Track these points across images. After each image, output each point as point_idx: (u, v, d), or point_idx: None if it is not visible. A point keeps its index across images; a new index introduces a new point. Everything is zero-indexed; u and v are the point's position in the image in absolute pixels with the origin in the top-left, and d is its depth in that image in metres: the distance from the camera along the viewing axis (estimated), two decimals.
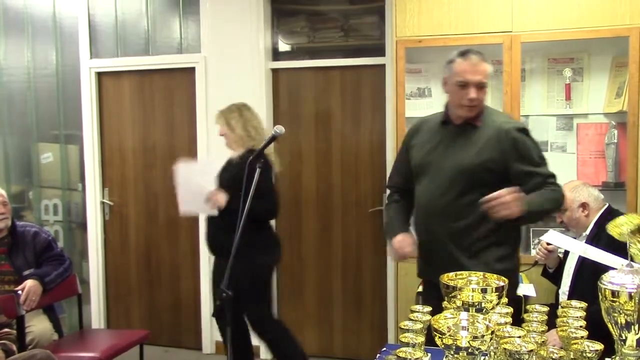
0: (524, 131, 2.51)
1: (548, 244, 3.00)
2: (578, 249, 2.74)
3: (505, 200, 2.26)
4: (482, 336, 1.28)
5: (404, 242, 2.55)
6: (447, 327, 1.34)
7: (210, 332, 4.49)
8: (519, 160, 2.44)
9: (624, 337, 1.28)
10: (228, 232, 2.79)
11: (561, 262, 3.00)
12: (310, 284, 4.36)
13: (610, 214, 2.79)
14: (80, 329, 3.81)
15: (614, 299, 1.25)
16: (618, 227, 1.67)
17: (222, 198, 3.20)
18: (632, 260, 1.40)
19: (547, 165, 2.52)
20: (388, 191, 2.86)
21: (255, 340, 4.29)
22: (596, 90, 3.52)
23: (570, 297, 2.57)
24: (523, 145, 2.46)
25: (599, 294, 1.29)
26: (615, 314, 1.26)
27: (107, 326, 4.77)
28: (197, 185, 3.25)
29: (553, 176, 2.49)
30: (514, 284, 2.54)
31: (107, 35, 4.65)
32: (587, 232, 2.81)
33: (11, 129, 4.92)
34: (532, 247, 3.53)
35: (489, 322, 1.37)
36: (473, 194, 2.39)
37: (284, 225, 4.36)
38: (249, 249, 2.87)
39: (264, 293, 3.39)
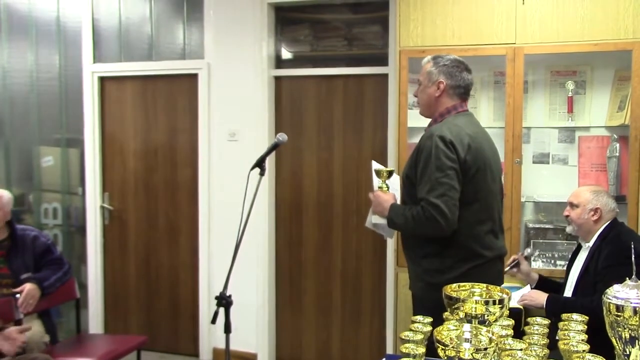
0: (435, 139, 2.32)
1: (524, 256, 3.15)
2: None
3: (372, 199, 2.59)
4: (485, 349, 1.27)
5: None
6: (450, 339, 1.33)
7: (207, 339, 4.47)
8: (412, 164, 2.41)
9: (627, 352, 1.27)
10: None
11: (544, 280, 3.06)
12: (309, 291, 4.34)
13: (613, 227, 2.78)
14: (78, 334, 3.80)
15: (619, 314, 1.25)
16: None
17: None
18: None
19: (428, 186, 2.29)
20: None
21: (252, 347, 4.30)
22: (598, 104, 3.53)
23: None
24: (420, 150, 2.37)
25: (604, 307, 1.28)
26: (620, 329, 1.26)
27: (104, 331, 4.75)
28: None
29: (424, 200, 2.30)
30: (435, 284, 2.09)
31: (110, 40, 4.66)
32: (591, 243, 2.79)
33: (13, 132, 4.92)
34: (532, 258, 3.52)
35: (492, 334, 1.36)
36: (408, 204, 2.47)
37: (284, 232, 4.36)
38: None
39: None
